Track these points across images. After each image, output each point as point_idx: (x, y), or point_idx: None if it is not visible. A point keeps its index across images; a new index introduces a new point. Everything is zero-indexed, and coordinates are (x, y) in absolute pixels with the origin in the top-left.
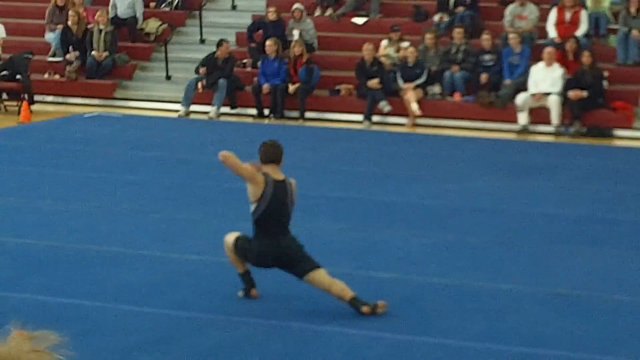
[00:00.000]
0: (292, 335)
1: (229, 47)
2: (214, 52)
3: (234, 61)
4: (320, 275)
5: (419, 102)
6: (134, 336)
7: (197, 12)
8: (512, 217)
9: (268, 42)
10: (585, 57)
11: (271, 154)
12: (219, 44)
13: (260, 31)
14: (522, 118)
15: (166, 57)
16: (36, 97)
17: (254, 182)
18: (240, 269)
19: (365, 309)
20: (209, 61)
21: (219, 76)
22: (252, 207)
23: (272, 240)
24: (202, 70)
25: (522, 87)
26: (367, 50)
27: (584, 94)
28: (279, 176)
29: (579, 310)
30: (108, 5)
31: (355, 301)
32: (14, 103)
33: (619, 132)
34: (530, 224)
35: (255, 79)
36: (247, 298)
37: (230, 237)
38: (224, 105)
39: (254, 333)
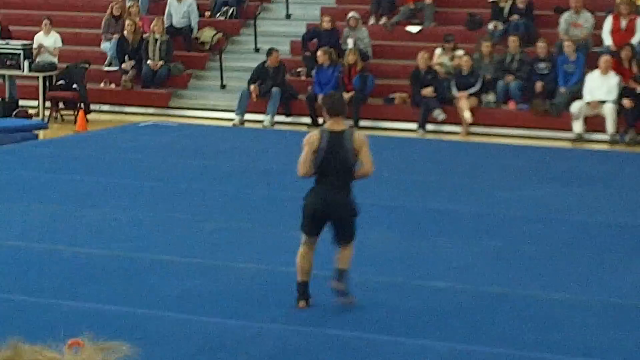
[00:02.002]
0: (346, 345)
1: (279, 56)
2: (265, 62)
3: (284, 70)
4: (348, 252)
5: (472, 110)
6: (188, 345)
7: (251, 21)
8: (566, 226)
9: (319, 52)
10: (635, 66)
11: (332, 107)
12: (269, 53)
13: (315, 40)
14: (577, 126)
15: (221, 66)
16: (92, 107)
17: (311, 143)
18: (299, 277)
19: (334, 283)
20: (260, 71)
21: (271, 85)
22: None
23: (325, 191)
24: (253, 88)
25: (577, 95)
26: (421, 59)
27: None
28: (337, 127)
29: (634, 320)
30: (163, 14)
31: (341, 274)
32: (71, 112)
33: None
34: (585, 233)
35: (310, 87)
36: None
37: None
38: (279, 113)
39: (309, 342)
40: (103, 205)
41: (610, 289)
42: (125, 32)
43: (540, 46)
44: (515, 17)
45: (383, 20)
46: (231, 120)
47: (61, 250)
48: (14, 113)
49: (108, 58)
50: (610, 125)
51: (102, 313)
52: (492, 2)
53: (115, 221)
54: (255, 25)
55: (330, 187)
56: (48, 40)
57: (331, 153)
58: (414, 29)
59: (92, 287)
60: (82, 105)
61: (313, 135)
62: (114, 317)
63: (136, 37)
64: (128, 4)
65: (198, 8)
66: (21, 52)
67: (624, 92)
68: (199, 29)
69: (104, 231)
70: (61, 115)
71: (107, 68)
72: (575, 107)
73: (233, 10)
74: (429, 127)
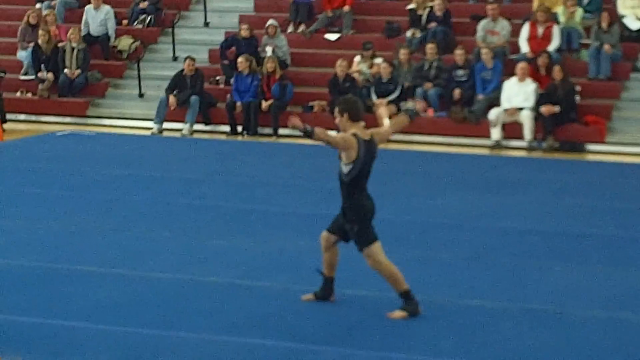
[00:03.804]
0: (266, 354)
1: (194, 63)
2: (182, 70)
3: (203, 78)
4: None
5: (391, 117)
6: (104, 356)
7: (169, 30)
8: (484, 233)
9: (240, 59)
10: (556, 72)
11: (356, 112)
12: (184, 61)
13: (234, 48)
14: (495, 133)
15: (139, 75)
16: (8, 116)
17: (350, 149)
18: (404, 286)
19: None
20: (178, 79)
21: (189, 94)
22: (346, 169)
23: (369, 197)
24: (172, 99)
25: (495, 102)
26: (340, 67)
27: (556, 109)
28: (366, 135)
29: (551, 326)
30: (80, 23)
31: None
32: None
33: (592, 147)
34: (503, 239)
35: (229, 95)
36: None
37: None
38: (198, 122)
39: (226, 352)
40: (19, 215)
41: (528, 295)
42: (39, 41)
43: (458, 54)
44: (433, 24)
45: (301, 28)
46: (150, 129)
47: None
48: None
49: (24, 67)
50: (527, 132)
51: (17, 324)
52: (410, 9)
53: (31, 231)
54: (173, 34)
55: (368, 194)
56: None
57: (366, 163)
58: (332, 36)
59: (7, 298)
60: None
61: (350, 138)
62: (30, 328)
63: (49, 46)
64: (44, 12)
65: (115, 16)
66: None
67: (541, 98)
68: (116, 37)
69: (21, 241)
70: None
71: (23, 77)
72: (493, 114)
73: (151, 19)
74: None
